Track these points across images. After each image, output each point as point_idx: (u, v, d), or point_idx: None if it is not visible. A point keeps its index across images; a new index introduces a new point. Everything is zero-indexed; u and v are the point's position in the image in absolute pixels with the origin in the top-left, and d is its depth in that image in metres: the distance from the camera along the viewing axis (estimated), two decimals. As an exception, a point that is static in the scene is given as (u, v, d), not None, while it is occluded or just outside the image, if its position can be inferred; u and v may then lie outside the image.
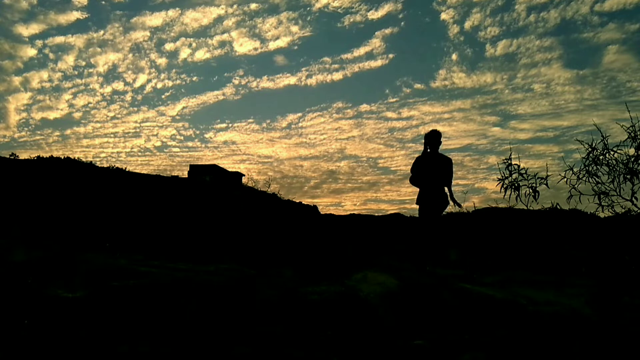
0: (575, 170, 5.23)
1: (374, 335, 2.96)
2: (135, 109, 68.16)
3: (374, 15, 67.17)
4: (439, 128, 7.32)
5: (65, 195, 11.71)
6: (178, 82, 68.48)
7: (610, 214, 5.12)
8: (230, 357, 2.38)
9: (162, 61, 69.11)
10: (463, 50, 67.49)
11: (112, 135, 63.48)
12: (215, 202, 14.37)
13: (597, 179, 5.11)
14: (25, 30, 62.27)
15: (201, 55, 69.19)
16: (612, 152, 5.07)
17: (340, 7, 67.03)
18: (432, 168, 7.22)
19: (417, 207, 7.59)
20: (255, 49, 69.70)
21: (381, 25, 70.08)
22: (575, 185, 5.15)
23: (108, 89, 67.29)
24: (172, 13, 67.68)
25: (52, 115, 64.50)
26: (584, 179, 5.15)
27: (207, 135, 68.72)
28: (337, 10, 67.43)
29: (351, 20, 67.68)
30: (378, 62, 68.53)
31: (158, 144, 64.68)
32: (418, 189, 7.48)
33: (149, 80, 68.19)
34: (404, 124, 67.87)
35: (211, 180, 22.99)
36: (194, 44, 68.21)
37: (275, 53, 71.92)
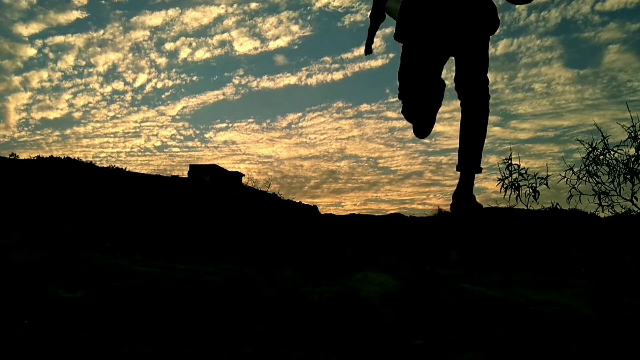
0: (575, 170, 5.23)
1: (374, 335, 2.96)
2: (135, 108, 68.10)
3: (374, 15, 67.22)
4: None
5: (65, 195, 11.71)
6: (178, 81, 68.45)
7: (610, 214, 5.13)
8: (231, 357, 2.39)
9: (162, 61, 69.07)
10: (463, 50, 67.55)
11: (112, 135, 63.38)
12: (215, 202, 14.37)
13: (597, 179, 5.11)
14: (25, 30, 62.21)
15: (201, 54, 69.17)
16: (612, 152, 5.07)
17: (341, 7, 67.02)
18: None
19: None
20: (255, 48, 69.69)
21: (382, 25, 70.08)
22: (576, 185, 5.14)
23: (108, 89, 67.20)
24: (172, 12, 67.61)
25: (52, 115, 64.44)
26: (584, 179, 5.15)
27: (207, 135, 68.63)
28: (337, 9, 67.45)
29: (351, 19, 67.66)
30: (378, 62, 68.45)
31: (158, 143, 64.61)
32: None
33: (149, 80, 68.13)
34: (404, 123, 66.55)
35: (211, 180, 22.99)
36: (194, 44, 68.17)
37: (275, 53, 71.90)
